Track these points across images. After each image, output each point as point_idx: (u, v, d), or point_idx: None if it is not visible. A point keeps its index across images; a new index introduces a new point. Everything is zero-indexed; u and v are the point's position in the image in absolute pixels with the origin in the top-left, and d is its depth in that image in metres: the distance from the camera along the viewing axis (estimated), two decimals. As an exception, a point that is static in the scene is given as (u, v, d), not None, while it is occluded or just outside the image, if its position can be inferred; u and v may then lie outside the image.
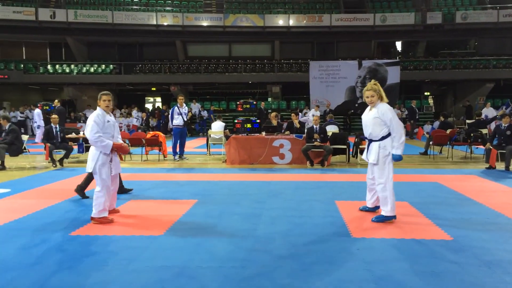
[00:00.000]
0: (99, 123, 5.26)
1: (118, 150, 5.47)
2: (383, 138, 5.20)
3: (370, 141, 5.36)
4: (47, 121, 13.98)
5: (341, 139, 11.03)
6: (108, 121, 5.39)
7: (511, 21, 23.75)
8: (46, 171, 9.71)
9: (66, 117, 19.72)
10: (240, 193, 7.09)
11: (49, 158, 10.35)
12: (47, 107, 20.95)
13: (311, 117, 17.48)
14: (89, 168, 5.36)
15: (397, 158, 5.20)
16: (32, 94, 27.54)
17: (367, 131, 5.37)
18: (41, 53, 27.22)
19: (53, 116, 10.98)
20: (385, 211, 5.24)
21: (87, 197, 6.63)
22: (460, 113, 24.27)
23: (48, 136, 10.53)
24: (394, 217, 5.26)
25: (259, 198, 6.73)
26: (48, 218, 5.52)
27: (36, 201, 6.57)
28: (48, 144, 10.31)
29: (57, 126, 10.74)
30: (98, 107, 5.45)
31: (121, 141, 5.66)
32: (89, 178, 6.60)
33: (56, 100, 16.40)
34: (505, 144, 9.60)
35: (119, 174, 6.00)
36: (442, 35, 25.50)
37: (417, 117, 19.89)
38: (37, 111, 17.81)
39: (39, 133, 17.17)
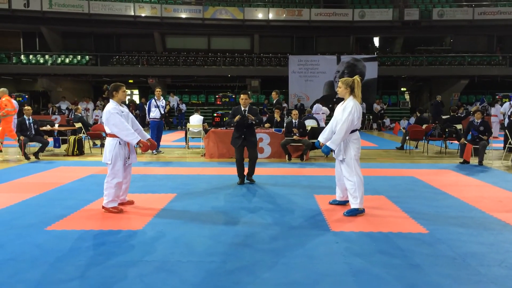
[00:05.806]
0: (120, 114, 5.36)
1: (145, 147, 5.52)
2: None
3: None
4: (20, 112, 13.57)
5: (320, 133, 11.06)
6: (122, 112, 5.46)
7: (486, 18, 24.28)
8: (20, 164, 9.46)
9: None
10: (219, 187, 7.07)
11: (22, 152, 10.09)
12: (20, 98, 20.46)
13: (325, 114, 17.55)
14: (106, 159, 5.39)
15: (325, 151, 5.43)
16: (4, 85, 26.62)
17: (335, 125, 5.43)
18: (14, 42, 26.40)
19: (26, 107, 10.68)
20: (354, 204, 5.31)
21: (254, 182, 7.42)
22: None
23: (21, 128, 10.25)
24: (363, 210, 5.34)
25: (238, 192, 6.73)
26: (23, 213, 5.39)
27: (10, 195, 6.40)
28: (23, 137, 10.04)
29: (30, 118, 10.46)
30: (111, 100, 5.48)
31: (146, 135, 5.75)
32: (252, 163, 7.47)
33: None
34: (478, 140, 9.84)
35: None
36: (418, 31, 25.87)
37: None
38: None
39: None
